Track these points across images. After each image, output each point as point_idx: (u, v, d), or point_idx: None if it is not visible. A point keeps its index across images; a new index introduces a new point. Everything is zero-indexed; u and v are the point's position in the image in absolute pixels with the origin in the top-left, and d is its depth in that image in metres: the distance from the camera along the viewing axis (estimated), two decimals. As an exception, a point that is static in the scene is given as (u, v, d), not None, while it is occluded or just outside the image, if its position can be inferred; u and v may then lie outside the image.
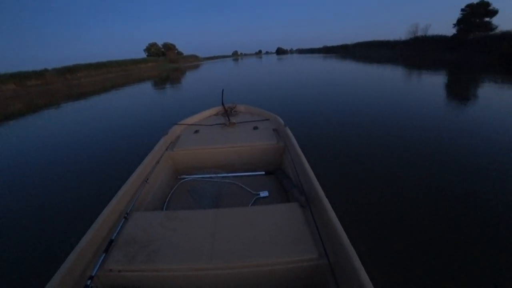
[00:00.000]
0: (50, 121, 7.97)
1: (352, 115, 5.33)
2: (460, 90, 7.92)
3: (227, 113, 3.03)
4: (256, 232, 1.18)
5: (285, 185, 1.75)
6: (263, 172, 2.10)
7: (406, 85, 9.15)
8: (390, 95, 7.24)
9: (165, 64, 47.11)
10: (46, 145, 5.16)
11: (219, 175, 2.10)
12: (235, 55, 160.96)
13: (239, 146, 2.20)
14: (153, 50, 58.10)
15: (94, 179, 3.29)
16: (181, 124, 2.78)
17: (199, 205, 1.72)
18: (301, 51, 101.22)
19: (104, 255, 1.10)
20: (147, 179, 1.73)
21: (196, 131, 2.64)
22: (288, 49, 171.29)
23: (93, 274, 1.01)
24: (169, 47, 62.15)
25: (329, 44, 65.39)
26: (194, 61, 62.05)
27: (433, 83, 9.05)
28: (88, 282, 0.98)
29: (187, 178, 2.12)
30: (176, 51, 65.87)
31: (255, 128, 2.59)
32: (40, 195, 3.04)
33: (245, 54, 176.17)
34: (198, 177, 2.10)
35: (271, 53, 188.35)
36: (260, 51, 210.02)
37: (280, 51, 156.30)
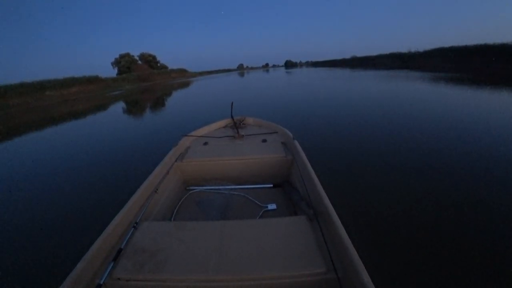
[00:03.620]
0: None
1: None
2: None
3: (236, 125, 3.06)
4: (264, 245, 1.17)
5: (293, 198, 1.73)
6: (271, 185, 2.09)
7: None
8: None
9: (127, 84, 33.81)
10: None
11: (227, 187, 2.08)
12: (241, 69, 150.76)
13: (247, 159, 2.21)
14: (123, 64, 45.63)
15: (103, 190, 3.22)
16: (190, 135, 2.83)
17: (207, 217, 1.71)
18: (315, 64, 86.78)
19: (112, 263, 1.11)
20: (157, 189, 1.75)
21: (205, 143, 2.67)
22: (298, 61, 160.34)
23: (101, 283, 1.02)
24: (146, 59, 49.60)
25: (348, 56, 51.23)
26: (178, 77, 49.00)
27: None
28: None
29: (196, 189, 2.12)
30: (159, 64, 53.31)
31: (264, 140, 2.61)
32: (53, 203, 3.08)
33: (251, 68, 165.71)
34: (206, 189, 2.10)
35: (279, 66, 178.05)
36: (267, 64, 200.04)
37: (289, 64, 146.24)
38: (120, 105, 14.93)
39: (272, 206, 1.78)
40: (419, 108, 6.67)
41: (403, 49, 32.15)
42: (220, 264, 1.07)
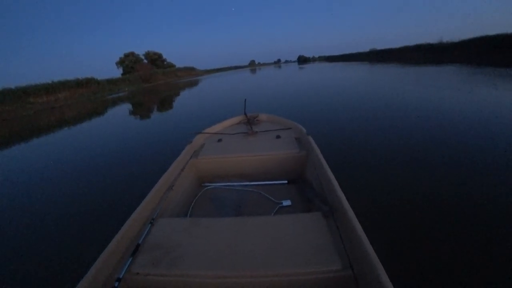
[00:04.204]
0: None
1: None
2: None
3: (250, 122, 3.08)
4: (279, 241, 1.16)
5: (307, 194, 1.71)
6: (286, 181, 2.08)
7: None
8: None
9: (128, 85, 31.74)
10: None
11: (241, 183, 2.09)
12: (252, 65, 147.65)
13: (261, 155, 2.21)
14: (127, 63, 43.82)
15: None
16: (204, 132, 2.85)
17: (222, 213, 1.72)
18: (329, 59, 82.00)
19: (131, 258, 1.14)
20: (172, 186, 1.78)
21: (219, 140, 2.68)
22: (311, 56, 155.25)
23: (120, 277, 1.06)
24: (151, 58, 47.62)
25: (366, 49, 47.05)
26: (185, 76, 46.67)
27: None
28: (116, 284, 1.02)
29: (210, 186, 2.13)
30: (165, 63, 51.27)
31: (278, 137, 2.58)
32: (75, 201, 3.15)
33: (263, 64, 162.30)
34: (221, 185, 2.11)
35: (292, 61, 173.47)
36: (279, 60, 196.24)
37: (301, 59, 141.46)
38: (116, 112, 12.46)
39: (286, 203, 1.77)
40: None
41: (430, 40, 28.30)
42: (235, 260, 1.08)
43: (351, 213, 1.16)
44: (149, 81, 35.70)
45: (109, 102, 17.75)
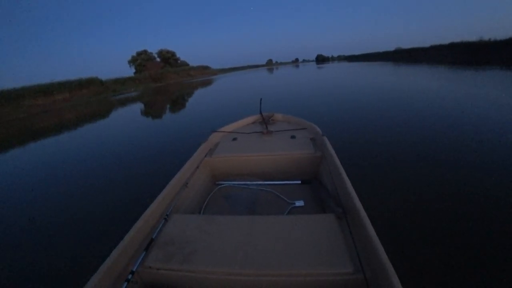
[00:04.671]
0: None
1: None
2: None
3: (265, 121, 3.03)
4: (291, 241, 1.16)
5: (321, 195, 1.71)
6: (299, 181, 2.05)
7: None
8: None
9: (136, 85, 30.70)
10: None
11: (255, 182, 2.08)
12: (269, 64, 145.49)
13: (276, 155, 2.19)
14: (139, 62, 43.02)
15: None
16: (219, 131, 2.85)
17: (235, 211, 1.72)
18: (349, 58, 78.10)
19: (144, 253, 1.16)
20: (187, 183, 1.81)
21: (234, 139, 2.68)
22: (330, 56, 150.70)
23: (133, 270, 1.08)
24: (164, 56, 46.65)
25: (390, 48, 43.60)
26: (198, 75, 45.28)
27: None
28: (129, 277, 1.05)
29: (224, 184, 2.12)
30: (179, 61, 50.22)
31: (293, 137, 2.55)
32: (96, 196, 3.31)
33: (281, 63, 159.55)
34: (234, 184, 2.10)
35: (310, 61, 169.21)
36: (296, 59, 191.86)
37: (320, 59, 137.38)
38: (116, 117, 11.13)
39: (299, 203, 1.75)
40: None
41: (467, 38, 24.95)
42: (246, 258, 1.08)
43: (364, 216, 1.15)
44: (159, 80, 34.54)
45: (111, 104, 16.50)
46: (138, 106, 14.07)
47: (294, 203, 1.75)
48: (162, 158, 4.37)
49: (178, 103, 13.43)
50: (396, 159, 3.28)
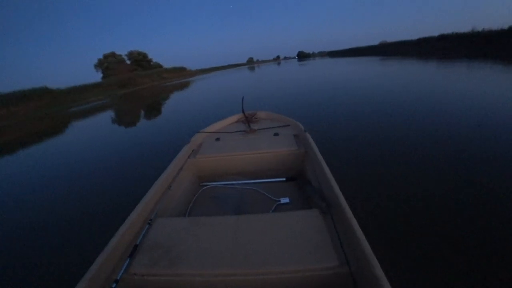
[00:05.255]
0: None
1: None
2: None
3: (248, 120, 3.06)
4: (277, 238, 1.17)
5: (306, 191, 1.72)
6: (284, 179, 2.06)
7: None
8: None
9: (97, 93, 26.97)
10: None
11: (240, 181, 2.08)
12: (250, 63, 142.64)
13: (260, 153, 2.20)
14: (106, 65, 39.09)
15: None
16: (203, 132, 2.83)
17: (221, 212, 1.72)
18: (332, 54, 76.64)
19: (129, 259, 1.13)
20: (170, 186, 1.78)
21: (218, 139, 2.66)
22: (311, 52, 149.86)
23: (118, 278, 1.05)
24: (135, 58, 42.88)
25: (375, 42, 42.06)
26: (173, 78, 41.68)
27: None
28: (114, 286, 1.01)
29: (209, 185, 2.11)
30: (151, 63, 46.51)
31: (276, 134, 2.57)
32: (71, 202, 3.18)
33: (262, 61, 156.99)
34: (220, 184, 2.10)
35: (291, 58, 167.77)
36: (278, 57, 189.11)
37: (301, 55, 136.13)
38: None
39: (285, 200, 1.76)
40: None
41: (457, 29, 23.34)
42: (234, 259, 1.08)
43: (348, 210, 1.16)
44: (129, 85, 31.00)
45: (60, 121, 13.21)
46: (99, 122, 10.93)
47: (280, 201, 1.75)
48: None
49: (150, 115, 10.85)
50: (374, 153, 3.33)
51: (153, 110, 12.14)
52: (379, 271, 0.85)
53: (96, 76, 40.28)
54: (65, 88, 23.85)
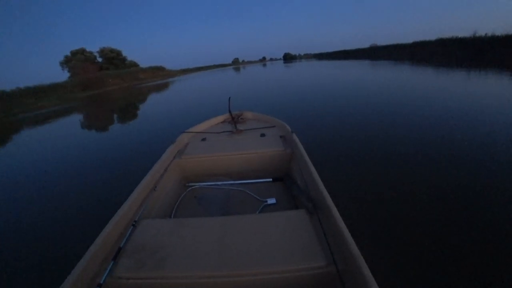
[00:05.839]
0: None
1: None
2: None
3: (234, 120, 3.02)
4: (264, 239, 1.16)
5: (292, 191, 1.73)
6: (271, 179, 2.06)
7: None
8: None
9: (64, 94, 23.34)
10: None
11: (226, 182, 2.07)
12: (236, 63, 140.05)
13: (246, 153, 2.20)
14: (74, 63, 35.28)
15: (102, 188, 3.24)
16: (188, 132, 2.79)
17: (207, 213, 1.71)
18: (318, 56, 75.16)
19: (112, 262, 1.11)
20: (155, 187, 1.74)
21: (204, 139, 2.65)
22: (297, 54, 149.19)
23: (101, 282, 1.02)
24: (106, 56, 39.23)
25: (365, 45, 40.60)
26: (149, 79, 38.34)
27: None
28: None
29: (195, 185, 2.09)
30: (126, 62, 42.90)
31: (262, 135, 2.58)
32: (51, 204, 3.06)
33: (248, 62, 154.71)
34: (206, 185, 2.08)
35: (277, 59, 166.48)
36: (264, 58, 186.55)
37: (287, 57, 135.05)
38: None
39: (271, 201, 1.76)
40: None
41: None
42: (221, 260, 1.07)
43: (334, 210, 1.16)
44: (95, 87, 27.60)
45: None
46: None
47: (266, 201, 1.75)
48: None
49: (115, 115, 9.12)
50: (357, 151, 3.41)
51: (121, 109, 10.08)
52: (365, 270, 0.85)
53: (63, 76, 36.27)
54: (18, 88, 20.18)
